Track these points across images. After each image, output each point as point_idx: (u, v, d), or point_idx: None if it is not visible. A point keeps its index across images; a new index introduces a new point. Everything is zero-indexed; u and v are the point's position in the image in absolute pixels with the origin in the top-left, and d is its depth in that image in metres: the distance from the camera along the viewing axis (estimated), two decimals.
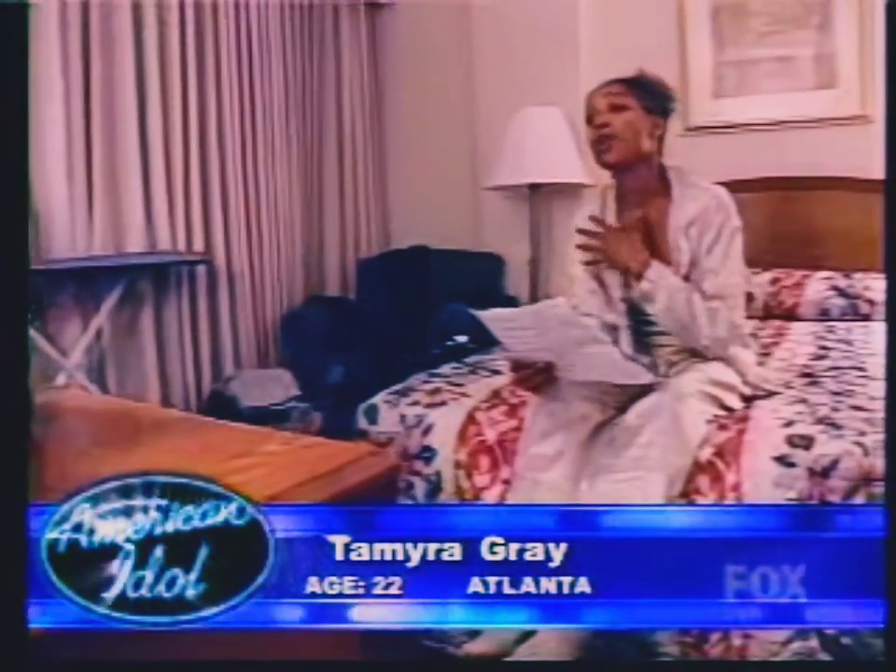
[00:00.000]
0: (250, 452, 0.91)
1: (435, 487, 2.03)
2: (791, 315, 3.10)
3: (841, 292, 3.09)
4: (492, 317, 1.82)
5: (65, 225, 2.79)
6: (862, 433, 1.71)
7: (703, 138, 3.49)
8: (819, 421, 1.79)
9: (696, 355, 1.98)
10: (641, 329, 2.02)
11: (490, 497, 1.95)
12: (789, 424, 1.79)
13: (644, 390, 1.87)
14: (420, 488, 2.05)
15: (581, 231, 1.98)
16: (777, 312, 3.14)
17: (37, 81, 2.66)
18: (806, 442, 1.71)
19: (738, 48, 3.51)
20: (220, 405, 3.08)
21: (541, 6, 3.66)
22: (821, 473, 1.65)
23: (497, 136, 3.65)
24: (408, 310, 3.52)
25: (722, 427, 1.83)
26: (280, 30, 3.59)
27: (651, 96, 2.03)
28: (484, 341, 2.71)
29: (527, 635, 1.58)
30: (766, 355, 2.47)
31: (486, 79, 3.85)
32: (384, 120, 4.19)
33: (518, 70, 3.72)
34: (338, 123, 3.96)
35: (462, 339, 3.22)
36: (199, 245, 3.18)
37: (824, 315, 3.08)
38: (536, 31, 3.69)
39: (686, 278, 1.93)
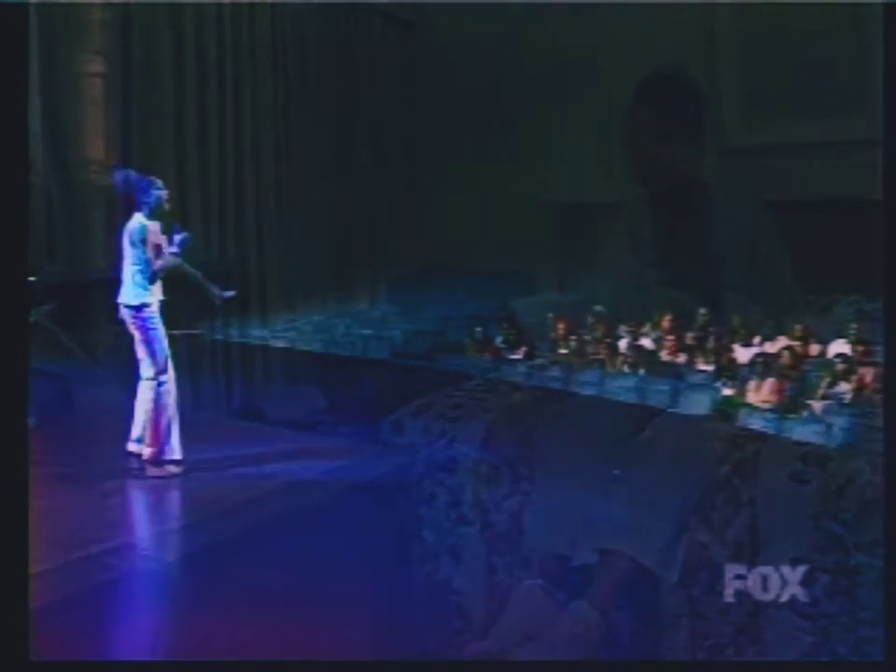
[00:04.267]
0: None
1: (457, 498, 2.07)
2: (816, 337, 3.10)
3: (864, 314, 3.09)
4: (522, 305, 1.89)
5: (101, 235, 2.86)
6: (878, 454, 1.73)
7: (734, 159, 3.51)
8: (836, 441, 1.81)
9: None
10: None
11: (509, 507, 1.99)
12: (805, 443, 1.81)
13: (661, 409, 1.91)
14: (442, 498, 2.10)
15: None
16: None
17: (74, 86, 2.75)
18: (821, 461, 1.73)
19: (768, 70, 3.53)
20: (249, 417, 3.13)
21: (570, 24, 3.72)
22: (835, 492, 1.67)
23: (530, 155, 3.72)
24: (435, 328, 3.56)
25: (739, 446, 1.86)
26: (317, 46, 3.68)
27: (686, 108, 2.05)
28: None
29: (529, 637, 1.61)
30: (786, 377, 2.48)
31: (519, 97, 3.91)
32: (415, 139, 4.25)
33: (550, 89, 3.79)
34: (371, 139, 4.03)
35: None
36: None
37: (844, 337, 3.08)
38: (566, 49, 3.75)
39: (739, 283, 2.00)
